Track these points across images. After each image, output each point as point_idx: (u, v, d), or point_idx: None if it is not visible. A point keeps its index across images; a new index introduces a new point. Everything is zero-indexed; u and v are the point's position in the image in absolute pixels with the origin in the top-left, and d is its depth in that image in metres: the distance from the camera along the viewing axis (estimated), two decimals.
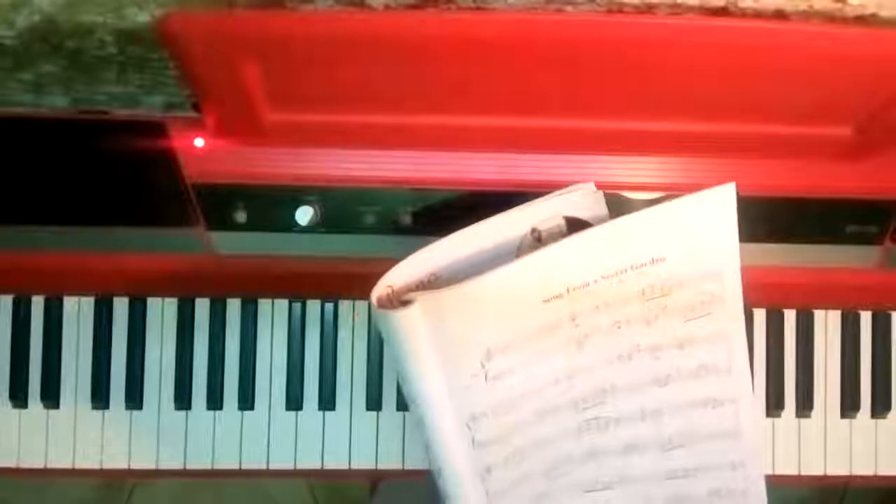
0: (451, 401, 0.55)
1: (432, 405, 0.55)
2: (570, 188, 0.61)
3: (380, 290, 0.54)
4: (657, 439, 0.61)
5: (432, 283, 0.56)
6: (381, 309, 0.53)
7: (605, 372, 0.59)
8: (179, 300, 0.70)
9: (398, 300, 0.54)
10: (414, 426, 0.69)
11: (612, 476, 0.61)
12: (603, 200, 0.61)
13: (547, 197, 0.60)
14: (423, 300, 0.53)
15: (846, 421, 0.72)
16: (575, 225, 0.59)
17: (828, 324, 0.73)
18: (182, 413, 0.70)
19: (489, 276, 0.53)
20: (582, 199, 0.61)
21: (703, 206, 0.57)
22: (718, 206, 0.57)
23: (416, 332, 0.53)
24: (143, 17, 0.55)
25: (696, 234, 0.57)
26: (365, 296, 0.54)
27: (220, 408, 0.70)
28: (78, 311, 0.70)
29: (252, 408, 0.70)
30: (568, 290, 0.56)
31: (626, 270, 0.57)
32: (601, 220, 0.59)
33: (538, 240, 0.59)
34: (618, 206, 0.62)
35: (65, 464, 0.69)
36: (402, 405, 0.70)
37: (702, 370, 0.60)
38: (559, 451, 0.60)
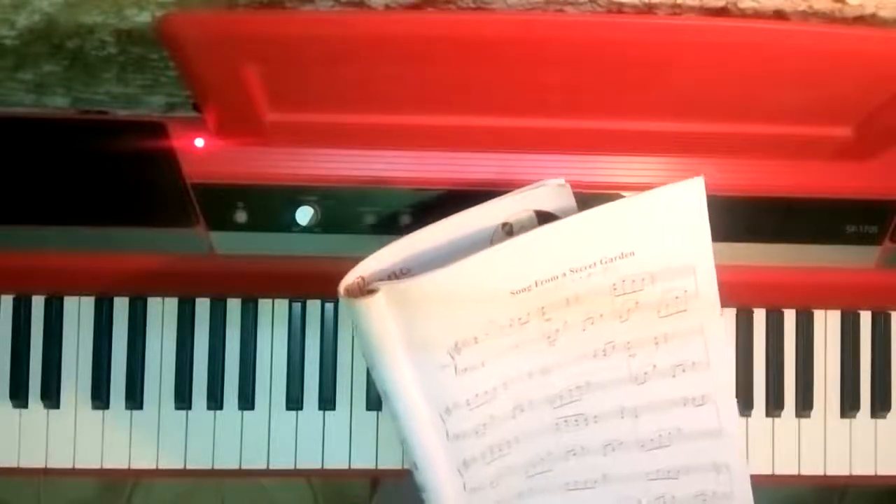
0: (422, 393, 0.55)
1: (402, 396, 0.55)
2: (539, 182, 0.60)
3: (349, 280, 0.54)
4: (637, 438, 0.60)
5: (404, 275, 0.56)
6: (347, 298, 0.53)
7: (579, 368, 0.59)
8: (179, 300, 0.70)
9: (366, 290, 0.54)
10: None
11: (593, 475, 0.61)
12: (571, 194, 0.60)
13: (517, 191, 0.59)
14: (387, 289, 0.53)
15: (846, 421, 0.72)
16: (546, 219, 0.59)
17: (828, 324, 0.73)
18: (182, 413, 0.70)
19: (454, 267, 0.53)
20: (552, 193, 0.60)
21: (672, 200, 0.56)
22: (688, 200, 0.56)
23: (382, 322, 0.53)
24: (143, 17, 0.55)
25: (666, 229, 0.56)
26: None
27: (221, 408, 0.70)
28: (78, 311, 0.70)
29: (252, 408, 0.70)
30: (536, 283, 0.56)
31: (594, 265, 0.56)
32: (570, 215, 0.58)
33: (509, 233, 0.58)
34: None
35: (65, 464, 0.69)
36: None
37: (678, 368, 0.59)
38: (538, 448, 0.60)
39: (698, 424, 0.60)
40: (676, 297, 0.58)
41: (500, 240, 0.57)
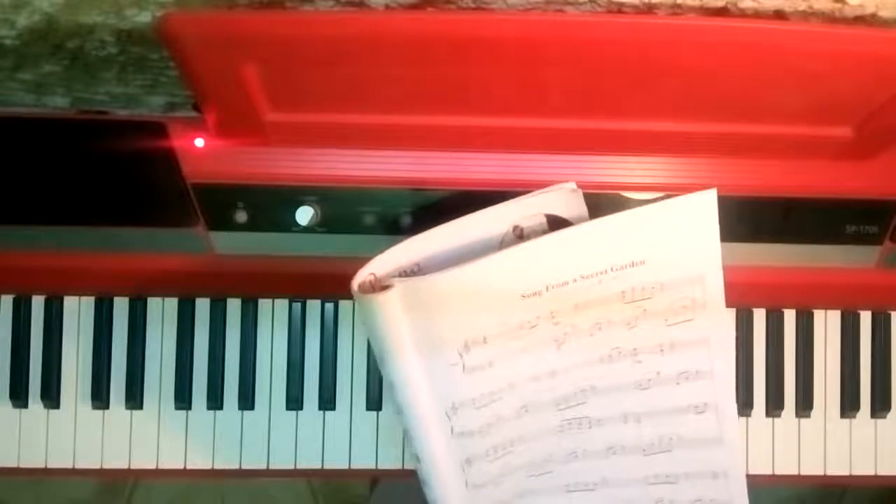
0: (429, 388, 0.55)
1: (409, 391, 0.55)
2: (552, 187, 0.61)
3: (362, 276, 0.55)
4: (638, 443, 0.61)
5: (415, 274, 0.56)
6: (361, 294, 0.54)
7: (586, 372, 0.59)
8: (179, 300, 0.70)
9: (379, 286, 0.54)
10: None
11: (594, 477, 0.61)
12: (583, 200, 0.61)
13: (529, 195, 0.60)
14: (401, 286, 0.53)
15: (846, 421, 0.72)
16: (557, 223, 0.59)
17: (828, 324, 0.73)
18: (182, 413, 0.70)
19: (467, 268, 0.54)
20: (563, 198, 0.60)
21: (684, 210, 0.57)
22: (699, 210, 0.57)
23: (395, 317, 0.54)
24: (143, 17, 0.55)
25: (677, 239, 0.57)
26: None
27: (220, 408, 0.70)
28: (78, 311, 0.70)
29: (252, 408, 0.70)
30: (547, 288, 0.56)
31: (605, 272, 0.57)
32: (581, 220, 0.59)
33: (520, 237, 0.59)
34: (611, 206, 0.62)
35: (65, 464, 0.69)
36: None
37: (682, 376, 0.60)
38: (541, 449, 0.60)
39: (699, 432, 0.61)
40: (684, 307, 0.59)
41: (511, 243, 0.58)
